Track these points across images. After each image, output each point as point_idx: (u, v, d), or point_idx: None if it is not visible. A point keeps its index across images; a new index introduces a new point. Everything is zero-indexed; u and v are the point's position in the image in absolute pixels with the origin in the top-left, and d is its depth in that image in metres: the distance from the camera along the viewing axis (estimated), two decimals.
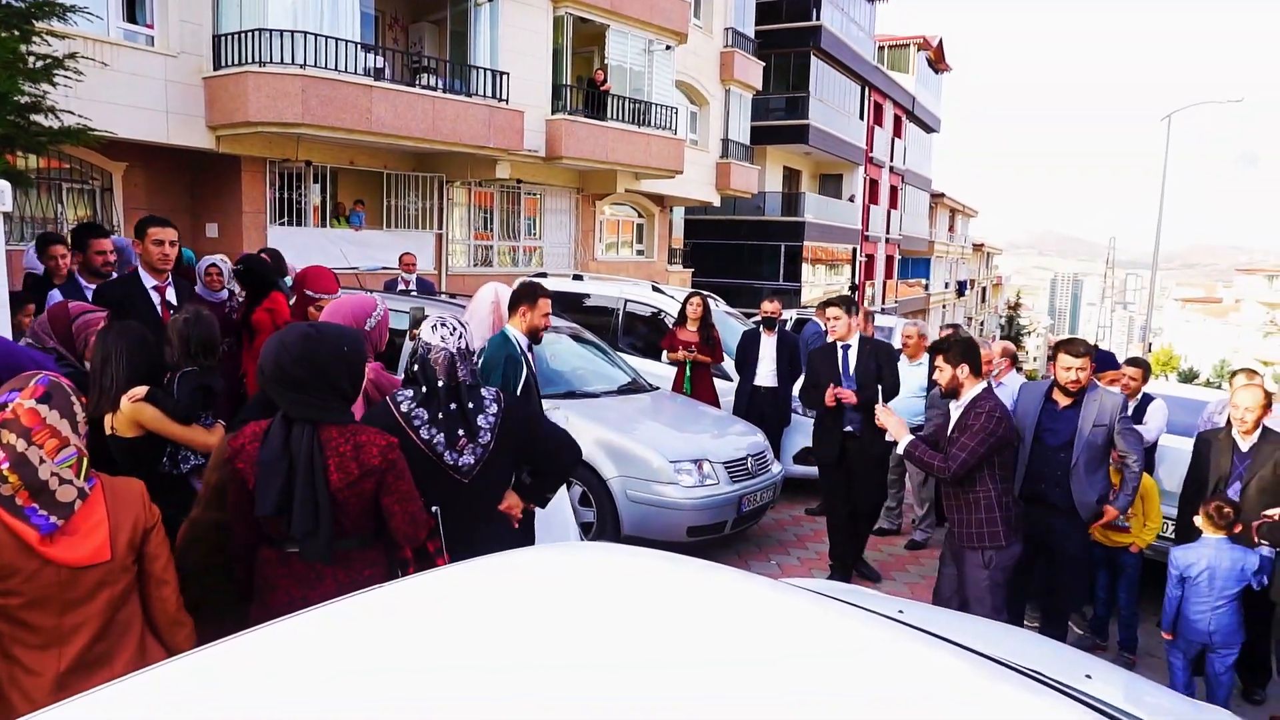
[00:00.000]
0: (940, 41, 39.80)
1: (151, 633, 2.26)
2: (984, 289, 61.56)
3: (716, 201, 22.45)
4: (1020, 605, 4.96)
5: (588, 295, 9.63)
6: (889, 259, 37.15)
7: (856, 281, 32.12)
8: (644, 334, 9.27)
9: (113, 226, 11.22)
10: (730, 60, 21.57)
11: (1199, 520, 4.41)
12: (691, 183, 20.22)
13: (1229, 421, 4.77)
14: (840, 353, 5.81)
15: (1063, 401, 4.61)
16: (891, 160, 35.84)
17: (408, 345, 4.07)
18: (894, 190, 36.98)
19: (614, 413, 6.04)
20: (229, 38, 11.19)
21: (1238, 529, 4.34)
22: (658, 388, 7.10)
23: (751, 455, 6.18)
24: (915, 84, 37.80)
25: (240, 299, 5.78)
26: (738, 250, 27.22)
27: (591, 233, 18.84)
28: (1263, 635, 4.66)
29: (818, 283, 28.86)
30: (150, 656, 2.20)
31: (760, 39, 23.51)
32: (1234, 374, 5.41)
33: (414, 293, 8.95)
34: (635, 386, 6.84)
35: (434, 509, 2.74)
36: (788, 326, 10.47)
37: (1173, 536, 5.43)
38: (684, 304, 7.78)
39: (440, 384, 2.87)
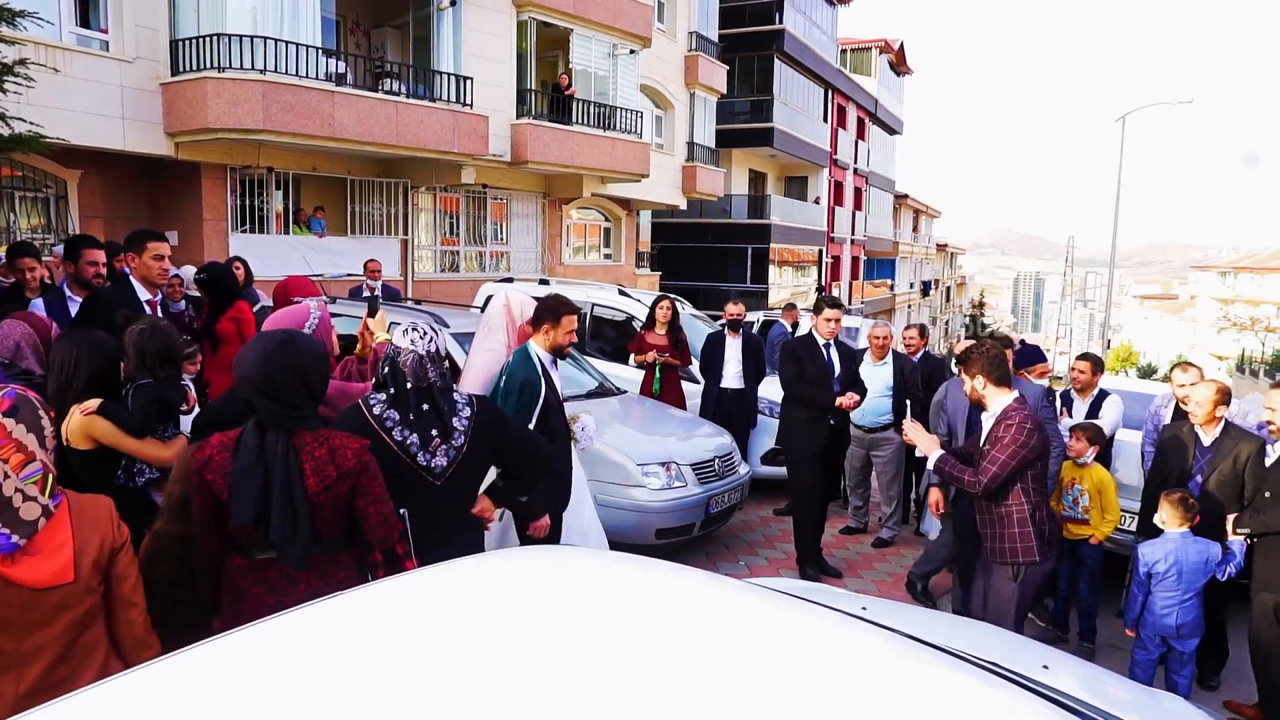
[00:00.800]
0: (901, 45, 40.28)
1: (117, 655, 2.20)
2: (948, 289, 62.38)
3: (683, 205, 22.54)
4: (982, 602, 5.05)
5: None
6: (854, 260, 37.50)
7: (823, 283, 32.39)
8: (612, 338, 9.30)
9: (65, 235, 11.02)
10: (694, 64, 21.67)
11: (1163, 513, 4.49)
12: (658, 186, 20.28)
13: (1182, 415, 4.90)
14: (825, 351, 5.99)
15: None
16: (855, 162, 36.19)
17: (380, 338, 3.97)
18: (858, 192, 37.35)
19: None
20: (187, 43, 11.04)
21: (1195, 521, 4.47)
22: (625, 391, 7.11)
23: (719, 457, 6.22)
24: (878, 87, 38.22)
25: (191, 310, 5.72)
26: (705, 253, 27.34)
27: (558, 237, 18.83)
28: (1215, 622, 4.79)
29: (784, 285, 29.05)
30: None
31: (724, 43, 23.65)
32: (1183, 366, 5.57)
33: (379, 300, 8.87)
34: (602, 390, 6.85)
35: (401, 511, 2.75)
36: (754, 329, 10.56)
37: (1132, 530, 5.58)
38: (653, 307, 7.82)
39: (410, 386, 2.89)
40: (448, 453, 2.88)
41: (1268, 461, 4.45)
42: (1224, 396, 4.78)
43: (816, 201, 32.36)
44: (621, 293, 9.36)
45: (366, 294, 8.85)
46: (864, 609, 2.75)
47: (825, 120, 31.80)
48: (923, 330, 7.56)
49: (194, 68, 10.99)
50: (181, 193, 12.22)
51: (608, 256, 21.14)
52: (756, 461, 7.86)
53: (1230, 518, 4.38)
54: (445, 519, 2.90)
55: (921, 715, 1.51)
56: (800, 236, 30.16)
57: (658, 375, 7.57)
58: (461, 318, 6.90)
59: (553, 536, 4.04)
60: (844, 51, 36.07)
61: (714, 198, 23.76)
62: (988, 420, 4.18)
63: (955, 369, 6.58)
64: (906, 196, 47.30)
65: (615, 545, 4.81)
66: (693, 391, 7.99)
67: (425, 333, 2.97)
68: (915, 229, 50.98)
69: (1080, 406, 5.98)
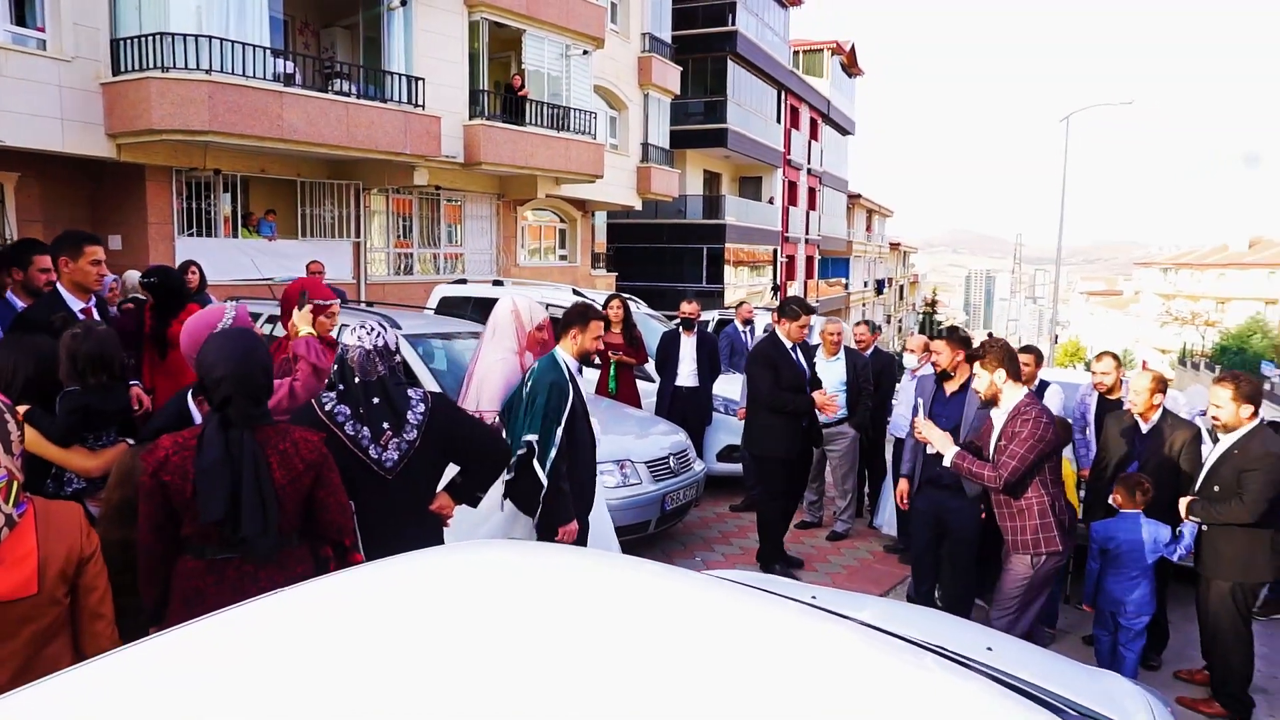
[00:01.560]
0: (853, 46, 40.78)
1: None
2: (902, 287, 63.30)
3: (638, 205, 22.59)
4: (930, 588, 5.16)
5: None
6: (809, 259, 37.88)
7: (778, 282, 32.67)
8: None
9: (3, 240, 10.72)
10: (648, 65, 21.73)
11: (1117, 496, 4.66)
12: (612, 187, 20.30)
13: (1105, 403, 5.08)
14: (795, 354, 6.07)
15: (950, 388, 4.97)
16: (809, 162, 36.56)
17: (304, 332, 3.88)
18: (812, 192, 37.74)
19: None
20: (128, 42, 10.79)
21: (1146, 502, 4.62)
22: None
23: (674, 454, 6.26)
24: (830, 88, 38.65)
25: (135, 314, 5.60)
26: (660, 253, 27.42)
27: (513, 238, 18.75)
28: (1158, 604, 4.95)
29: (740, 284, 29.25)
30: None
31: (677, 44, 23.75)
32: (1098, 356, 5.81)
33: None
34: None
35: (349, 504, 2.76)
36: (709, 328, 10.63)
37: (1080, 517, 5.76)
38: (604, 306, 7.83)
39: (358, 380, 2.92)
40: (399, 446, 2.90)
41: (1209, 451, 4.62)
42: (1160, 385, 4.95)
43: (771, 202, 32.64)
44: (575, 293, 9.37)
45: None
46: (813, 597, 2.79)
47: (779, 121, 32.08)
48: (873, 326, 7.67)
49: (136, 67, 10.75)
50: (125, 196, 11.94)
51: (563, 258, 21.10)
52: (712, 458, 7.92)
53: (1184, 501, 4.51)
54: (398, 513, 2.91)
55: (866, 693, 1.54)
56: (755, 236, 30.39)
57: (613, 374, 7.59)
58: (414, 319, 6.85)
59: (579, 540, 4.06)
60: (796, 53, 36.41)
61: (669, 198, 23.85)
62: (999, 416, 4.24)
63: (907, 361, 6.69)
64: (859, 196, 47.90)
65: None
66: (648, 390, 8.02)
67: (373, 329, 2.99)
68: (869, 228, 51.65)
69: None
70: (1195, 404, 6.90)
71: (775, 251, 32.82)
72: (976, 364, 4.29)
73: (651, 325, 9.33)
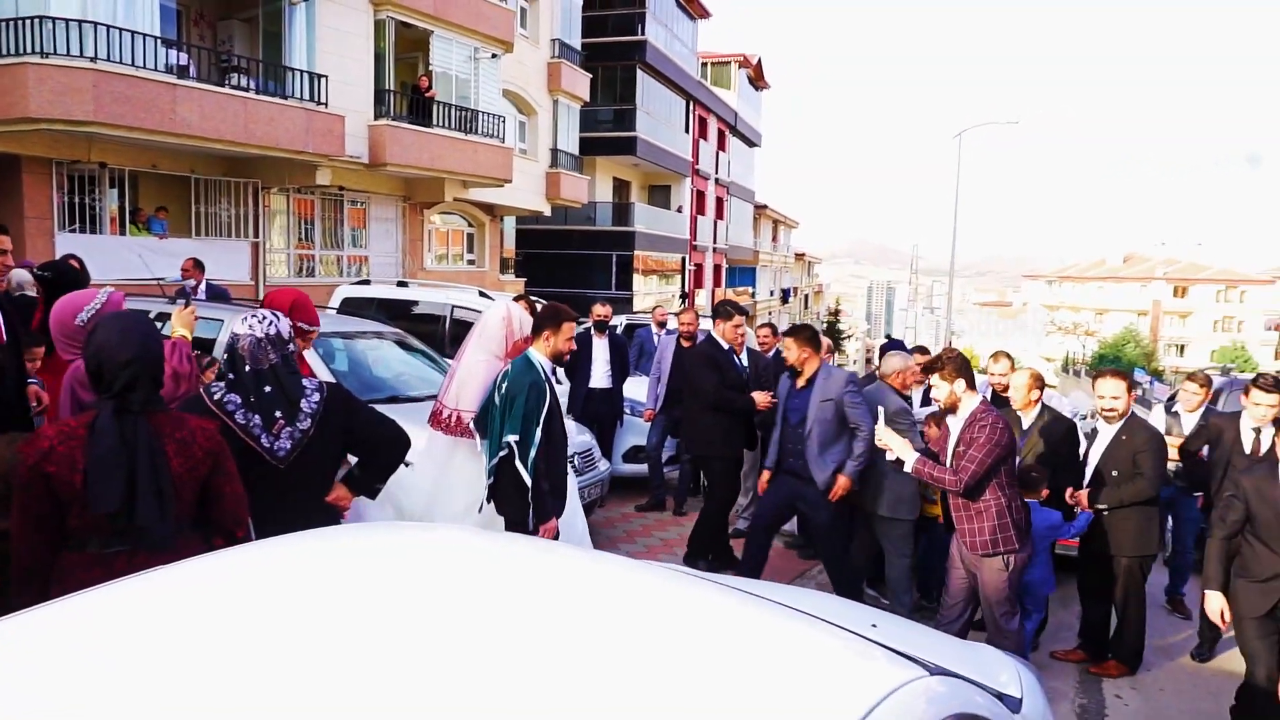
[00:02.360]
0: (759, 60, 41.69)
1: None
2: (806, 296, 64.90)
3: (547, 211, 22.56)
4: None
5: (416, 302, 9.46)
6: (717, 268, 38.48)
7: (687, 290, 33.07)
8: None
9: None
10: (557, 71, 21.76)
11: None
12: (521, 192, 20.22)
13: (999, 400, 5.39)
14: (734, 358, 6.24)
15: (800, 383, 5.23)
16: (717, 172, 37.17)
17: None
18: (720, 201, 38.36)
19: None
20: (3, 25, 10.21)
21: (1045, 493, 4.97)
22: None
23: (578, 454, 6.28)
24: (737, 100, 39.40)
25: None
26: (570, 260, 27.42)
27: (420, 242, 18.47)
28: None
29: (650, 291, 29.49)
30: None
31: (587, 51, 23.85)
32: (994, 356, 6.17)
33: (202, 301, 8.12)
34: None
35: (244, 494, 2.71)
36: (618, 331, 10.72)
37: None
38: None
39: (248, 369, 2.87)
40: (293, 435, 2.86)
41: (1100, 441, 4.98)
42: (1037, 382, 5.28)
43: (679, 210, 33.04)
44: (483, 295, 9.31)
45: (191, 297, 8.21)
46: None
47: (687, 131, 32.53)
48: (774, 329, 7.89)
49: (12, 51, 10.17)
50: None
51: (471, 262, 20.90)
52: (619, 459, 7.99)
53: (1084, 493, 4.90)
54: (292, 503, 2.86)
55: (754, 647, 1.62)
56: (664, 244, 30.71)
57: None
58: None
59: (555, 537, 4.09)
60: (704, 65, 37.01)
61: (578, 204, 23.91)
62: (956, 423, 4.43)
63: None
64: (766, 207, 48.93)
65: None
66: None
67: (265, 317, 2.94)
68: (775, 239, 52.80)
69: (915, 396, 6.42)
70: (1077, 408, 7.35)
71: (684, 259, 33.22)
72: (935, 375, 4.45)
73: None
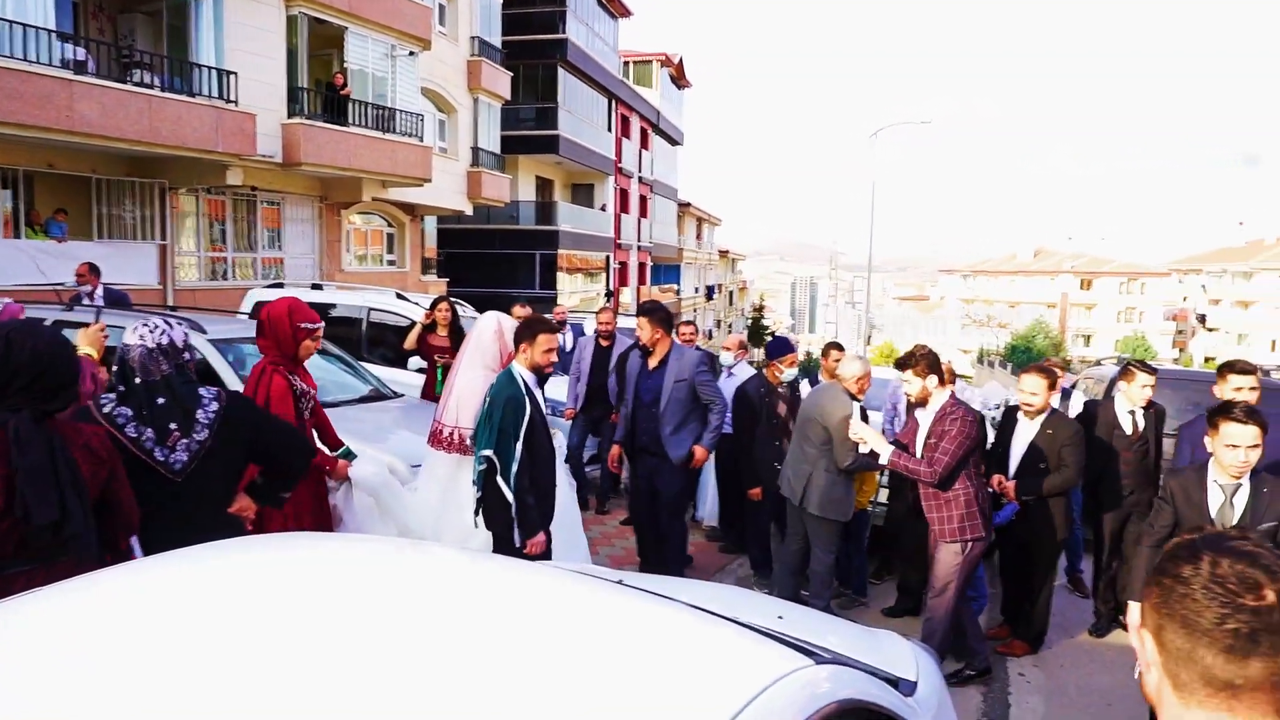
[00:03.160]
0: (681, 60, 42.00)
1: None
2: (731, 293, 65.66)
3: (469, 210, 22.34)
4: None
5: (332, 305, 9.29)
6: (642, 266, 38.66)
7: (612, 288, 33.14)
8: (393, 343, 9.08)
9: None
10: (477, 69, 21.56)
11: None
12: (442, 191, 19.99)
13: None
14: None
15: (652, 363, 5.45)
16: (640, 171, 37.33)
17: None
18: (643, 200, 38.55)
19: (355, 421, 5.91)
20: None
21: None
22: (402, 395, 7.01)
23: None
24: (659, 98, 39.62)
25: None
26: (493, 259, 27.21)
27: (338, 243, 18.10)
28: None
29: (575, 291, 29.46)
30: None
31: (508, 49, 23.69)
32: (824, 349, 6.50)
33: (99, 306, 7.82)
34: (377, 395, 6.72)
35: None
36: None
37: (884, 501, 6.30)
38: (431, 309, 7.75)
39: (139, 381, 2.79)
40: (189, 446, 2.78)
41: (1023, 434, 5.20)
42: (950, 377, 5.48)
43: (603, 209, 33.09)
44: (400, 297, 9.20)
45: (87, 302, 7.90)
46: (620, 581, 2.92)
47: (610, 129, 32.60)
48: (689, 322, 8.01)
49: None
50: None
51: (391, 263, 20.56)
52: None
53: (1009, 485, 5.14)
54: (192, 517, 2.78)
55: (645, 646, 1.66)
56: (588, 243, 30.72)
57: (439, 378, 7.51)
58: (223, 324, 6.53)
59: (545, 550, 4.10)
60: (626, 63, 37.11)
61: (501, 204, 23.74)
62: (926, 416, 4.63)
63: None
64: (689, 205, 49.33)
65: None
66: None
67: (156, 326, 2.85)
68: (699, 236, 53.27)
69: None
70: (990, 398, 7.65)
71: (608, 258, 33.29)
72: (907, 370, 4.64)
73: None
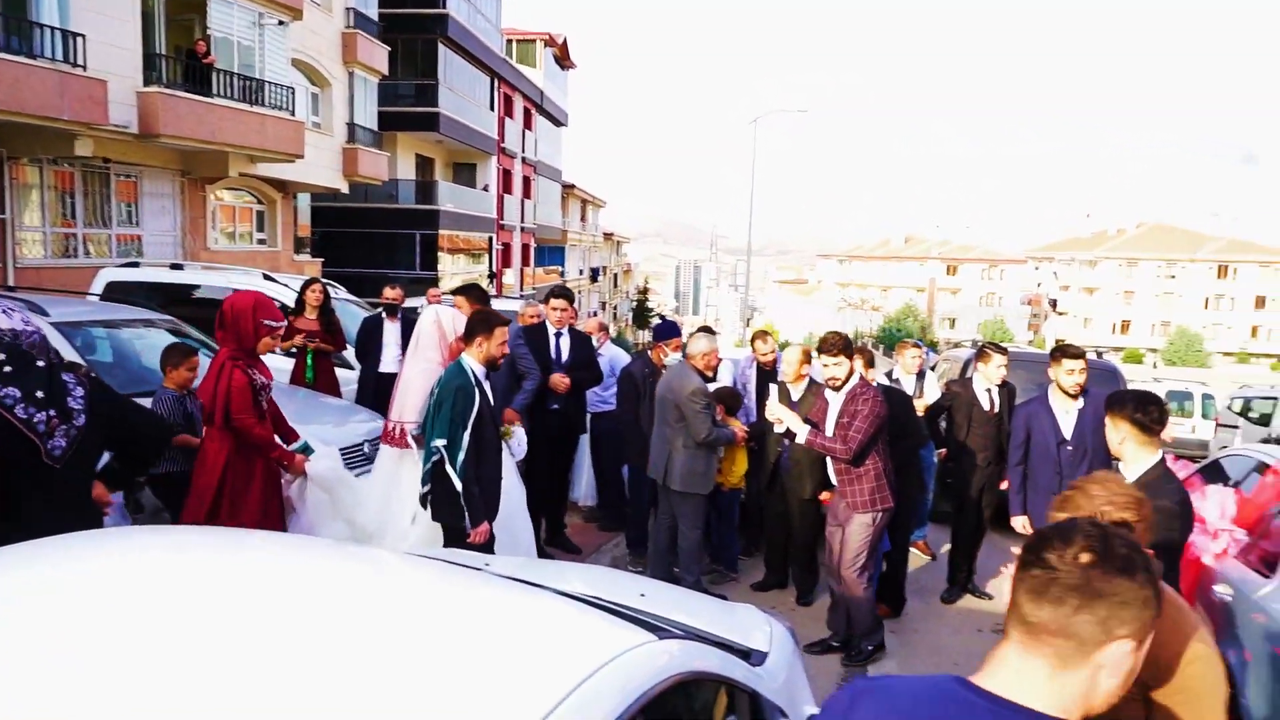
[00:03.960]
0: (565, 40, 41.68)
1: None
2: (616, 275, 65.90)
3: (345, 189, 21.61)
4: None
5: (195, 286, 8.87)
6: (525, 247, 38.35)
7: (494, 269, 32.75)
8: None
9: None
10: (353, 42, 20.81)
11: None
12: (316, 168, 19.26)
13: (765, 374, 5.89)
14: (556, 340, 6.36)
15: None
16: (523, 151, 36.94)
17: None
18: (527, 180, 38.19)
19: None
20: None
21: None
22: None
23: (369, 440, 6.16)
24: (543, 79, 39.25)
25: None
26: (372, 239, 26.43)
27: (203, 220, 17.18)
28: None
29: (457, 271, 28.96)
30: None
31: (385, 22, 22.93)
32: (760, 335, 6.71)
33: None
34: None
35: None
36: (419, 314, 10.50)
37: None
38: (301, 291, 7.52)
39: (37, 363, 2.66)
40: (68, 433, 2.66)
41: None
42: (806, 358, 5.73)
43: (486, 189, 32.61)
44: (267, 278, 8.86)
45: None
46: (486, 564, 2.96)
47: (492, 108, 32.09)
48: (571, 299, 8.05)
49: None
50: None
51: (262, 242, 19.70)
52: None
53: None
54: (64, 505, 2.65)
55: (501, 631, 1.72)
56: (470, 223, 30.23)
57: (309, 362, 7.31)
58: (69, 306, 6.16)
59: (488, 545, 4.13)
60: (509, 42, 36.56)
61: (378, 182, 23.06)
62: (837, 397, 4.92)
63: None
64: (574, 187, 49.17)
65: None
66: (349, 378, 7.80)
67: (7, 309, 2.69)
68: (583, 218, 53.19)
69: (726, 375, 6.84)
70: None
71: (491, 239, 32.86)
72: (826, 355, 4.86)
73: (352, 311, 9.05)
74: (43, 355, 2.70)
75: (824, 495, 5.52)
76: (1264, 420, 14.25)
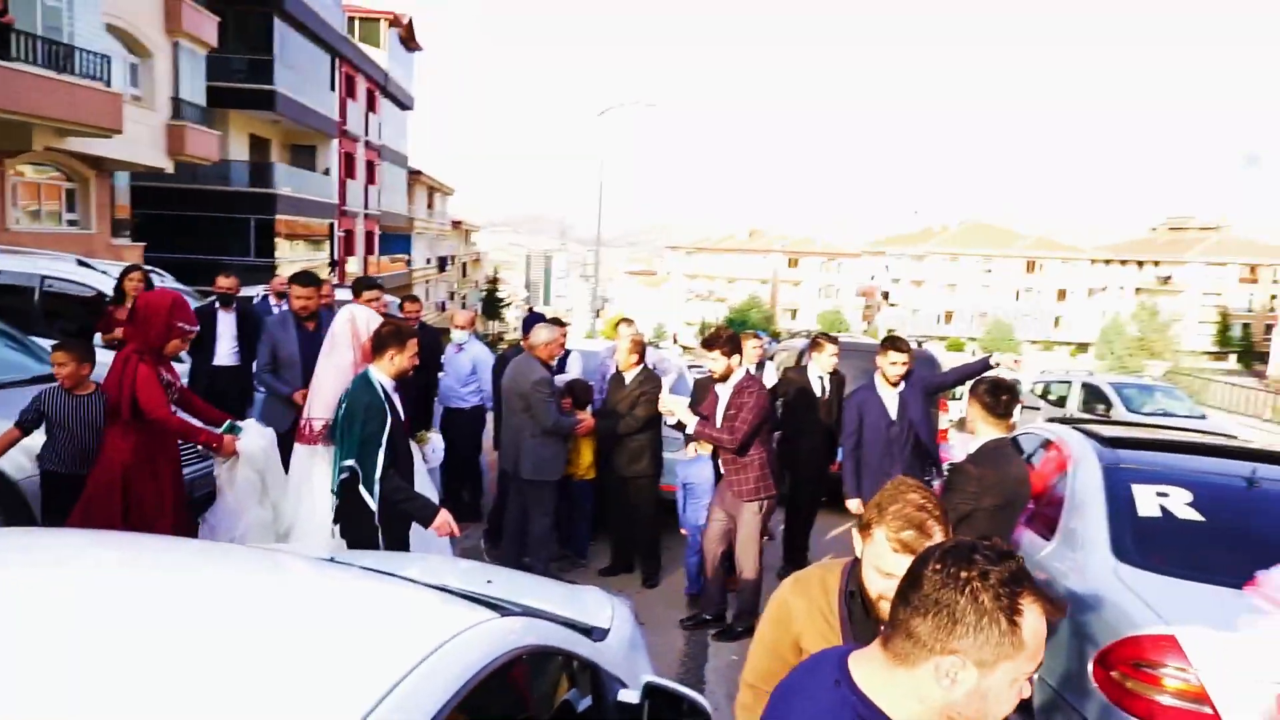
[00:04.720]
0: (410, 20, 40.50)
1: None
2: (465, 265, 64.76)
3: (169, 168, 20.19)
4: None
5: None
6: (369, 234, 37.09)
7: (337, 257, 31.52)
8: (78, 316, 8.11)
9: None
10: (177, 9, 19.44)
11: (694, 445, 5.64)
12: (136, 145, 17.89)
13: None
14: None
15: (310, 326, 5.85)
16: (367, 135, 35.69)
17: None
18: (370, 165, 36.93)
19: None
20: None
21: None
22: None
23: None
24: (388, 60, 38.00)
25: None
26: (201, 223, 24.84)
27: (2, 197, 15.66)
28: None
29: (295, 259, 27.67)
30: None
31: None
32: (617, 323, 6.89)
33: None
34: (52, 378, 6.02)
35: None
36: (254, 302, 10.03)
37: None
38: (120, 280, 7.06)
39: None
40: None
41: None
42: (638, 347, 5.99)
43: (327, 173, 31.29)
44: (82, 264, 8.24)
45: None
46: (332, 558, 2.95)
47: (333, 89, 30.79)
48: (414, 298, 7.96)
49: None
50: None
51: (73, 223, 18.16)
52: None
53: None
54: None
55: (358, 618, 1.75)
56: (310, 208, 28.95)
57: None
58: None
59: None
60: (351, 19, 35.18)
61: (209, 162, 21.70)
62: (725, 390, 5.14)
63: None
64: (421, 173, 47.93)
65: None
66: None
67: None
68: (430, 205, 51.95)
69: (576, 367, 6.92)
70: (674, 366, 8.33)
71: (333, 225, 31.58)
72: (715, 349, 5.08)
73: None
74: None
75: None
76: (1061, 402, 15.75)
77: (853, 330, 65.55)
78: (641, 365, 6.04)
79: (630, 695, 2.21)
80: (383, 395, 4.02)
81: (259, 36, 25.08)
